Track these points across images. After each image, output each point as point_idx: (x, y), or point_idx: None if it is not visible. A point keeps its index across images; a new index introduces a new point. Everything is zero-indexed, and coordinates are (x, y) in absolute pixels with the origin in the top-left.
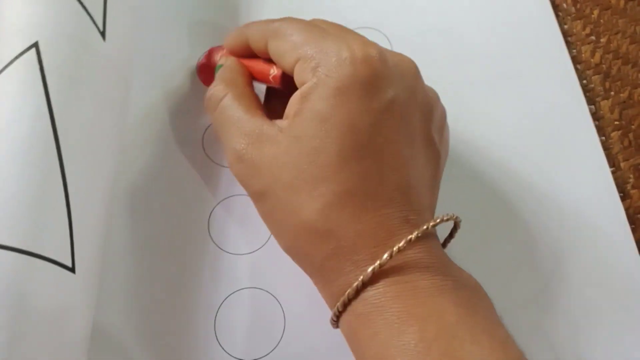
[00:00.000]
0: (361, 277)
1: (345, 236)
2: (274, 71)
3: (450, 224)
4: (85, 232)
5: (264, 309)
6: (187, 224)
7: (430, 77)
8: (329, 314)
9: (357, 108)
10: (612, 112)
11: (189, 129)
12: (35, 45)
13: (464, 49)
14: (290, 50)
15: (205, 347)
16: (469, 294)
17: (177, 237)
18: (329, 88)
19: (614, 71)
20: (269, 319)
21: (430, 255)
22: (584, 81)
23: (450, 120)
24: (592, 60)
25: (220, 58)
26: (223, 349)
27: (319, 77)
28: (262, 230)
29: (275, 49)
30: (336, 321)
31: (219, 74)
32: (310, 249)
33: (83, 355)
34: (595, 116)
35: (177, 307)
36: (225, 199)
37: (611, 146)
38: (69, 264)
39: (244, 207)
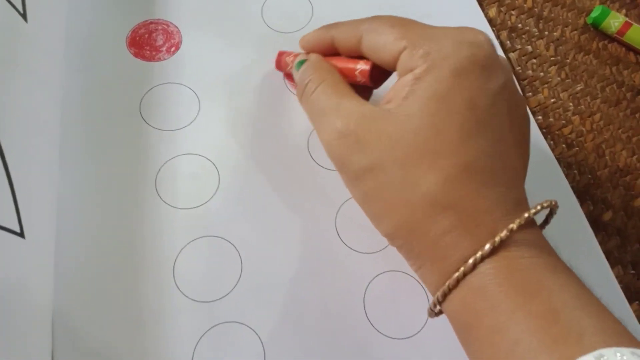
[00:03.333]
0: (480, 252)
1: (465, 210)
2: (362, 66)
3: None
4: (31, 198)
5: (221, 255)
6: (136, 185)
7: None
8: (284, 251)
9: (476, 87)
10: (547, 49)
11: (125, 99)
12: None
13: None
14: (393, 42)
15: (165, 294)
16: (575, 275)
17: (127, 198)
18: (447, 69)
19: (546, 12)
20: (226, 263)
21: (539, 237)
22: (519, 24)
23: None
24: (525, 5)
25: (298, 56)
26: (182, 293)
27: (433, 61)
28: (210, 183)
29: (373, 42)
30: (441, 301)
31: (308, 65)
32: (426, 224)
33: (46, 321)
34: (533, 54)
35: (136, 261)
36: (171, 159)
37: (550, 79)
38: (17, 229)
39: (187, 167)
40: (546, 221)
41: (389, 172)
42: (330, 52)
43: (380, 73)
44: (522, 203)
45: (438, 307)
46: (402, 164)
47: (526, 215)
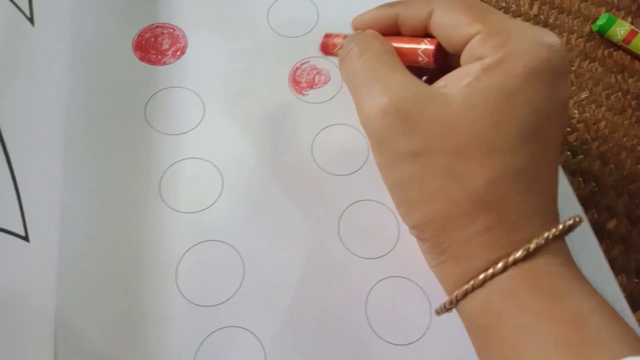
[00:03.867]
0: (513, 256)
1: (507, 213)
2: (426, 44)
3: None
4: (36, 202)
5: (224, 259)
6: (140, 188)
7: None
8: (286, 255)
9: (544, 93)
10: None
11: (131, 102)
12: None
13: None
14: (467, 23)
15: (168, 298)
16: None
17: (131, 202)
18: (520, 67)
19: (551, 20)
20: (228, 267)
21: (565, 247)
22: None
23: None
24: (530, 12)
25: (348, 35)
26: (184, 297)
27: (506, 54)
28: (213, 187)
29: (445, 18)
30: (459, 300)
31: (359, 33)
32: (465, 221)
33: (49, 324)
34: None
35: (138, 265)
36: (175, 163)
37: None
38: (22, 233)
39: (191, 171)
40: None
41: (435, 160)
42: (391, 32)
43: (442, 55)
44: (556, 213)
45: (450, 306)
46: (452, 154)
47: (561, 226)
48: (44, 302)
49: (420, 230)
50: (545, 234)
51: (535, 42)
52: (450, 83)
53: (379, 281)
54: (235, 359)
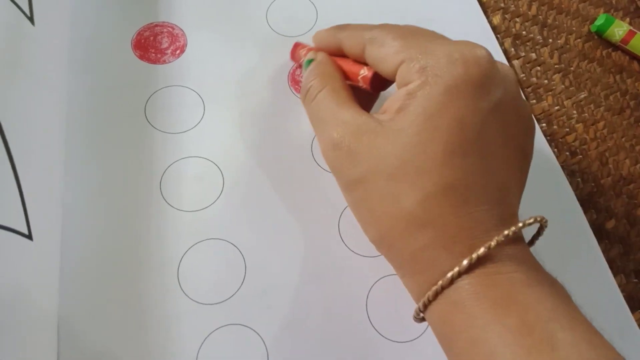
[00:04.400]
0: (457, 267)
1: (443, 228)
2: (364, 72)
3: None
4: (38, 201)
5: (225, 257)
6: (141, 187)
7: None
8: (287, 253)
9: (466, 106)
10: (551, 57)
11: (131, 101)
12: None
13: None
14: (393, 54)
15: (169, 296)
16: (560, 289)
17: (132, 201)
18: (439, 86)
19: (550, 20)
20: (230, 265)
21: (523, 252)
22: (524, 32)
23: None
24: (529, 12)
25: (308, 53)
26: (186, 295)
27: (427, 77)
28: (214, 186)
29: (375, 53)
30: (422, 311)
31: (313, 68)
32: (406, 238)
33: (52, 322)
34: (537, 62)
35: (140, 263)
36: (175, 162)
37: (554, 87)
38: (25, 232)
39: (192, 169)
40: (534, 237)
41: (375, 184)
42: (339, 53)
43: (383, 80)
44: (508, 219)
45: (421, 315)
46: (387, 178)
47: (506, 232)
48: (47, 300)
49: (377, 248)
50: (488, 243)
51: (451, 59)
52: (387, 109)
53: (380, 279)
54: (238, 357)
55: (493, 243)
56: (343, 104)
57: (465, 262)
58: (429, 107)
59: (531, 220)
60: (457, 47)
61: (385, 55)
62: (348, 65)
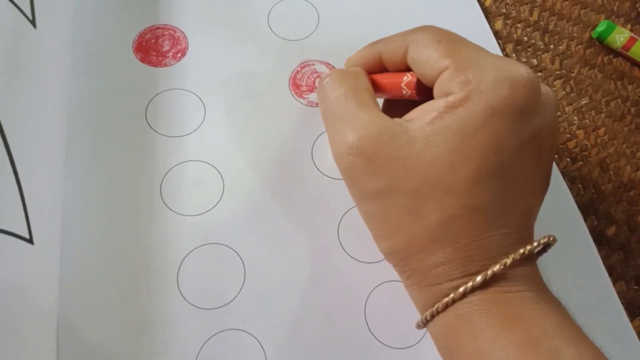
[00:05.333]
0: (471, 283)
1: (463, 248)
2: (408, 77)
3: None
4: (39, 204)
5: (225, 262)
6: (141, 191)
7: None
8: (286, 259)
9: (506, 131)
10: (553, 63)
11: (131, 104)
12: None
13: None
14: (437, 58)
15: (169, 301)
16: (564, 308)
17: (132, 204)
18: (481, 105)
19: (551, 26)
20: (229, 270)
21: (532, 271)
22: (525, 38)
23: None
24: (531, 18)
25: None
26: (186, 299)
27: (470, 92)
28: (214, 190)
29: (418, 54)
30: (428, 320)
31: (337, 69)
32: (423, 254)
33: (51, 326)
34: (538, 68)
35: (140, 267)
36: (176, 165)
37: (555, 93)
38: (26, 236)
39: (192, 173)
40: (539, 253)
41: (396, 199)
42: (379, 69)
43: (427, 87)
44: (523, 241)
45: (425, 324)
46: (411, 194)
47: (521, 251)
48: (46, 303)
49: (387, 258)
50: (504, 261)
51: (498, 78)
52: (418, 117)
53: (378, 285)
54: None
55: (509, 261)
56: (365, 104)
57: (479, 278)
58: (468, 126)
59: (545, 240)
60: (505, 65)
61: (428, 57)
62: (388, 77)
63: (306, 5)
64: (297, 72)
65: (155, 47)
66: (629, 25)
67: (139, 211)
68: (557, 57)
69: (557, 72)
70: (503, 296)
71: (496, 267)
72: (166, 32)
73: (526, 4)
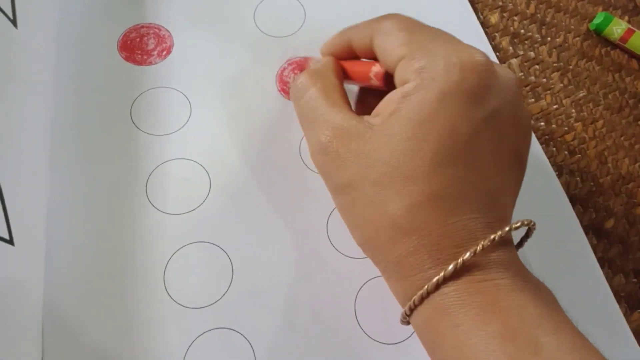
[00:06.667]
0: (442, 272)
1: (429, 235)
2: (376, 68)
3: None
4: (20, 205)
5: (212, 260)
6: (127, 190)
7: None
8: (275, 256)
9: (459, 115)
10: (550, 55)
11: (116, 103)
12: None
13: None
14: (396, 47)
15: (156, 300)
16: (546, 294)
17: (118, 203)
18: (433, 92)
19: (548, 18)
20: (217, 269)
21: (509, 257)
22: (522, 30)
23: None
24: (527, 11)
25: (313, 60)
26: (173, 299)
27: (423, 79)
28: (201, 188)
29: (381, 44)
30: (409, 315)
31: (308, 67)
32: (391, 245)
33: (37, 328)
34: (535, 60)
35: (126, 267)
36: (162, 164)
37: (552, 86)
38: (6, 237)
39: (178, 172)
40: (522, 240)
41: (362, 190)
42: (350, 55)
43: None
44: (497, 225)
45: (407, 319)
46: (376, 185)
47: (492, 237)
48: (31, 304)
49: (362, 250)
50: (473, 248)
51: (449, 63)
52: (380, 112)
53: (368, 281)
54: None
55: (479, 248)
56: (333, 105)
57: (450, 267)
58: (421, 113)
59: (518, 224)
60: (456, 50)
61: (390, 46)
62: (358, 66)
63: (292, 1)
64: (284, 69)
65: (140, 45)
66: (626, 17)
67: (125, 210)
68: (554, 50)
69: (554, 65)
70: (478, 286)
71: (466, 255)
72: (151, 31)
73: None
